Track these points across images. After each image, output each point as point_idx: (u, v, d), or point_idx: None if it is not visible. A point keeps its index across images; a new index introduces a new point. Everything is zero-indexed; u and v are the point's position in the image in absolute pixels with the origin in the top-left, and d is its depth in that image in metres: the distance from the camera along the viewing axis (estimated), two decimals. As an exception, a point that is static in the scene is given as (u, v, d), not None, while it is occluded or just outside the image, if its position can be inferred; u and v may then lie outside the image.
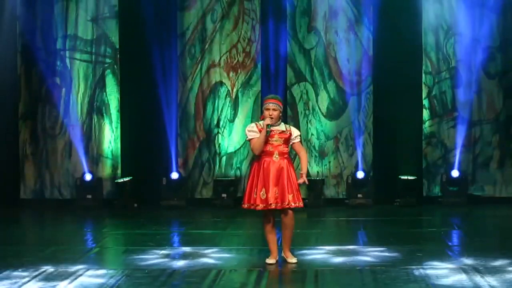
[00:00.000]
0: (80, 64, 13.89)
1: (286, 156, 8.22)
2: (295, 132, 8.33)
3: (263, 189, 8.10)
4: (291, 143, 8.30)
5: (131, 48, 13.66)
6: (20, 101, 13.87)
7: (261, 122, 8.23)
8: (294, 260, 8.34)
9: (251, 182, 8.20)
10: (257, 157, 8.23)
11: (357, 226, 11.47)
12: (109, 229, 11.61)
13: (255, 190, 8.13)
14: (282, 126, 8.27)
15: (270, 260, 8.30)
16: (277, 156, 8.17)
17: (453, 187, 13.47)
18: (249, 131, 8.24)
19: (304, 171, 8.27)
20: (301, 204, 8.19)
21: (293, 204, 8.11)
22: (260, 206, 8.12)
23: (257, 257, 8.73)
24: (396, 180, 13.43)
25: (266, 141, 8.13)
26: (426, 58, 13.76)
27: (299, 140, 8.36)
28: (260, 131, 8.16)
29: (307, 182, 8.32)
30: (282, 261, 8.35)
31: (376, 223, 11.81)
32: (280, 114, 8.23)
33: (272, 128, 8.14)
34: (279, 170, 8.12)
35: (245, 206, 8.24)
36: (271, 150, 8.16)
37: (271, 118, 8.13)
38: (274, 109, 8.17)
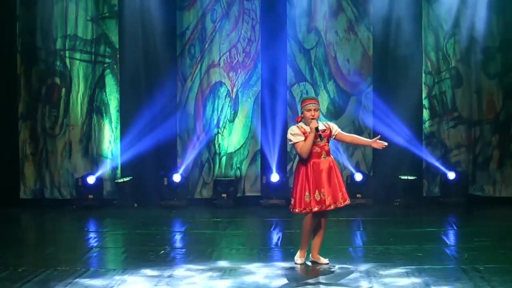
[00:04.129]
0: (80, 64, 13.88)
1: (330, 154, 8.11)
2: (333, 126, 8.21)
3: (317, 191, 7.95)
4: (333, 137, 8.16)
5: (131, 48, 13.65)
6: (20, 101, 13.85)
7: (301, 124, 8.11)
8: (325, 261, 8.23)
9: (301, 186, 7.99)
10: (303, 160, 8.03)
11: (357, 226, 11.47)
12: (109, 229, 11.61)
13: (307, 193, 7.96)
14: (321, 125, 8.17)
15: (299, 260, 8.20)
16: (325, 156, 8.05)
17: (452, 187, 13.45)
18: (292, 134, 8.05)
19: (368, 139, 8.30)
20: (349, 202, 8.14)
21: (343, 203, 8.04)
22: (317, 208, 7.95)
23: (257, 257, 8.73)
24: (396, 180, 13.43)
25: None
26: (426, 58, 13.75)
27: (340, 129, 8.23)
28: (303, 134, 8.06)
29: (385, 143, 8.10)
30: (283, 261, 8.35)
31: (376, 223, 11.81)
32: None
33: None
34: (329, 170, 8.01)
35: (297, 210, 8.03)
36: (318, 151, 8.03)
37: (314, 118, 8.00)
38: (315, 109, 8.05)
